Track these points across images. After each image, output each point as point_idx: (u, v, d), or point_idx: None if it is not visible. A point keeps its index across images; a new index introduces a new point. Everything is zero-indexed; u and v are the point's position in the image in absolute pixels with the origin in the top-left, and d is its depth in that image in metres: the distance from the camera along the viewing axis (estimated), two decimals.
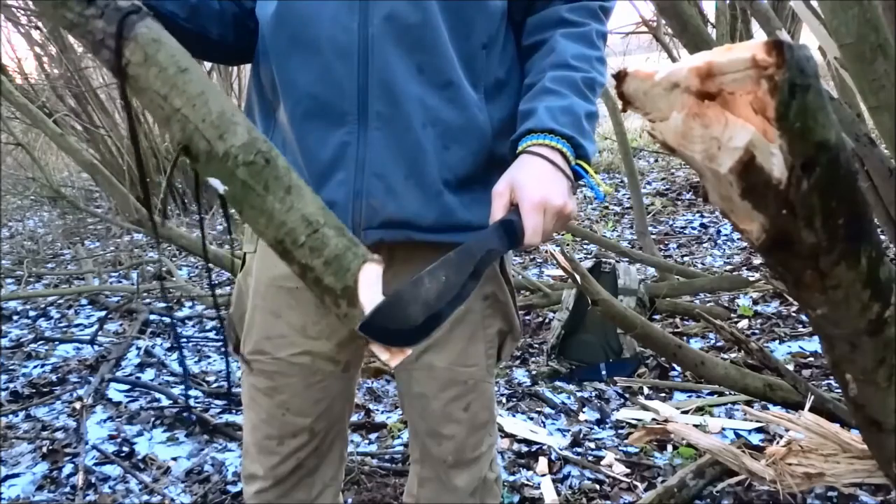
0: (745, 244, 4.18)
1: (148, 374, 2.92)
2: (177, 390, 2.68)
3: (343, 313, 0.75)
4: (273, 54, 0.94)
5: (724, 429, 2.09)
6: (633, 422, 2.20)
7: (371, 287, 0.74)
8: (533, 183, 0.86)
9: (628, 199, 5.30)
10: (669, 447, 2.04)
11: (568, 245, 4.62)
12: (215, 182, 0.73)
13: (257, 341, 1.03)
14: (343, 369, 1.07)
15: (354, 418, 2.37)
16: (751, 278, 3.20)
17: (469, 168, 0.96)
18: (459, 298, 0.79)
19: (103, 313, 3.71)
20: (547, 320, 3.23)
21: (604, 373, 2.66)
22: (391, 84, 0.90)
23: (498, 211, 0.88)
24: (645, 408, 2.25)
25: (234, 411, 2.46)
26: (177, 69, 0.73)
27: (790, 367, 2.14)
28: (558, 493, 1.85)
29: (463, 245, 0.82)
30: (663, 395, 2.44)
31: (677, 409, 2.21)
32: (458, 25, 0.92)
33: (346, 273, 0.74)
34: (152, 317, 3.61)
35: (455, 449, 1.08)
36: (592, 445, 2.10)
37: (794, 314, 3.00)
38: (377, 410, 2.47)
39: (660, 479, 1.87)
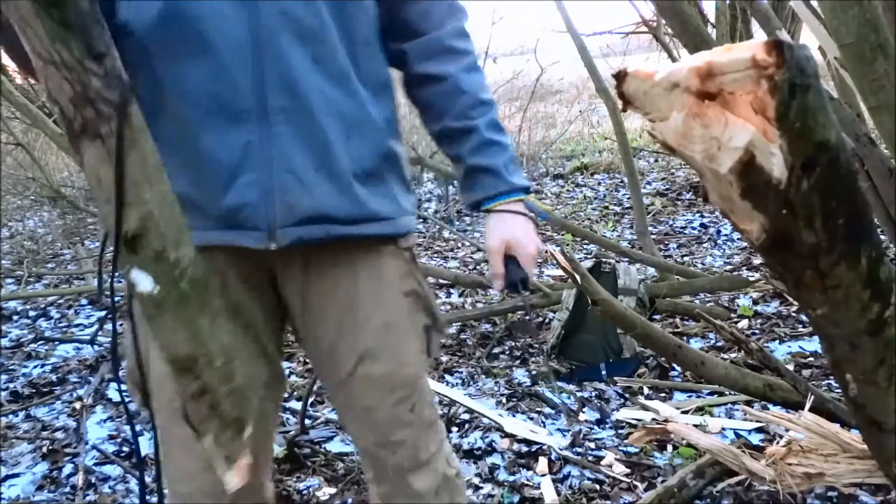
0: (745, 244, 4.18)
1: None
2: None
3: (227, 439, 0.79)
4: (158, 58, 0.90)
5: (724, 429, 2.09)
6: (633, 422, 2.20)
7: None
8: (525, 239, 1.08)
9: (628, 199, 5.30)
10: (669, 447, 2.04)
11: (568, 245, 4.62)
12: (142, 278, 0.72)
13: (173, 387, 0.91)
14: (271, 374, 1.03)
15: None
16: (751, 278, 3.19)
17: (369, 161, 0.98)
18: None
19: (103, 313, 3.71)
20: (547, 320, 3.23)
21: (604, 373, 2.66)
22: (289, 76, 0.90)
23: (498, 265, 1.10)
24: (645, 408, 2.25)
25: None
26: (156, 164, 0.74)
27: (790, 367, 2.14)
28: (558, 493, 1.85)
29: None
30: (663, 395, 2.44)
31: (677, 409, 2.21)
32: (344, 21, 0.94)
33: (245, 404, 0.78)
34: None
35: (410, 454, 1.07)
36: (592, 445, 2.10)
37: (794, 314, 3.00)
38: None
39: (660, 479, 1.87)
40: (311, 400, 2.27)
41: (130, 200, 0.71)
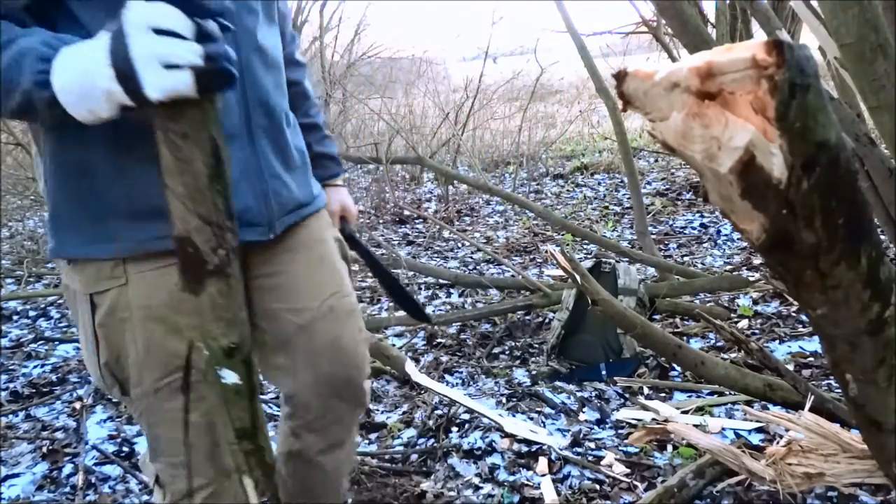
0: (745, 244, 4.18)
1: None
2: None
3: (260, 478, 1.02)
4: None
5: (724, 429, 2.09)
6: (633, 422, 2.20)
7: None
8: (351, 204, 1.52)
9: (628, 199, 5.30)
10: (669, 447, 2.04)
11: (568, 245, 4.62)
12: (230, 374, 0.97)
13: (166, 363, 1.05)
14: None
15: None
16: (751, 278, 3.19)
17: (302, 157, 1.25)
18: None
19: None
20: (547, 320, 3.23)
21: (604, 373, 2.66)
22: (265, 99, 1.11)
23: (337, 222, 1.45)
24: (645, 408, 2.25)
25: None
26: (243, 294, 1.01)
27: (790, 367, 2.14)
28: (558, 493, 1.85)
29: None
30: (663, 395, 2.44)
31: (677, 409, 2.21)
32: (280, 48, 1.22)
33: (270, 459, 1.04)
34: None
35: (365, 368, 1.31)
36: (592, 445, 2.10)
37: (794, 314, 3.00)
38: (377, 410, 2.47)
39: (660, 479, 1.87)
40: None
41: (229, 319, 0.93)
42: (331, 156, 1.47)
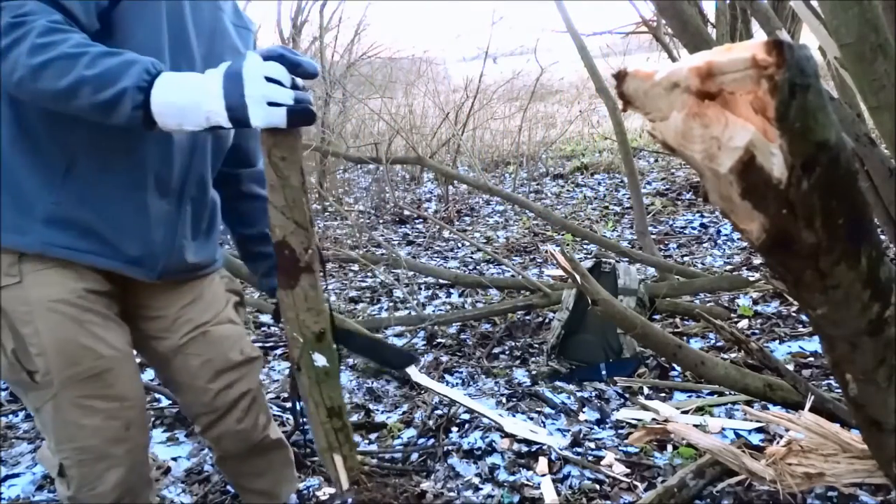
0: (745, 244, 4.18)
1: (147, 374, 2.92)
2: None
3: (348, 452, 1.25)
4: (138, 134, 1.16)
5: (724, 429, 2.09)
6: (633, 422, 2.20)
7: None
8: None
9: (628, 199, 5.30)
10: (669, 447, 2.04)
11: (568, 245, 4.62)
12: (320, 358, 1.15)
13: (70, 355, 1.17)
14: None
15: (354, 418, 2.37)
16: (751, 278, 3.19)
17: (215, 227, 1.44)
18: None
19: None
20: (547, 320, 3.23)
21: (604, 373, 2.66)
22: (203, 176, 1.32)
23: None
24: (645, 408, 2.25)
25: None
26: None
27: (790, 367, 2.14)
28: (558, 493, 1.85)
29: None
30: (663, 395, 2.44)
31: (677, 409, 2.21)
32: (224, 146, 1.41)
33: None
34: None
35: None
36: (592, 445, 2.10)
37: (794, 314, 3.00)
38: (377, 410, 2.47)
39: (660, 479, 1.87)
40: None
41: (318, 309, 1.15)
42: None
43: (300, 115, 1.04)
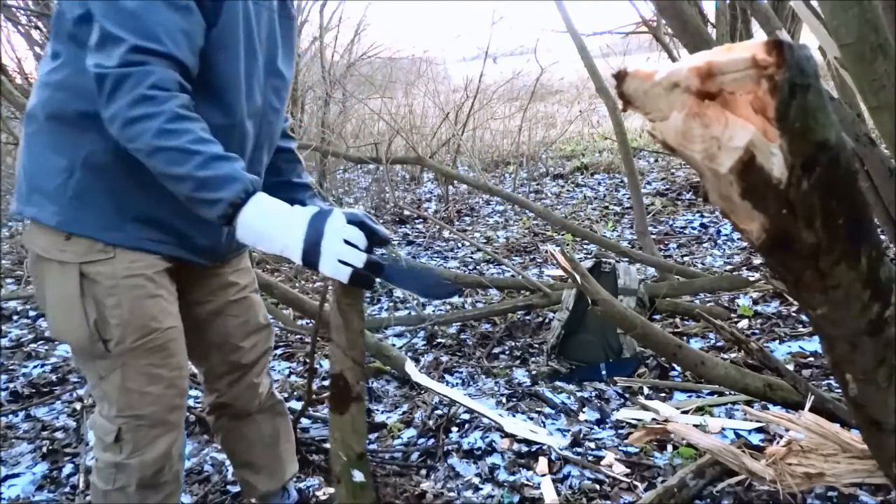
0: (745, 244, 4.18)
1: None
2: None
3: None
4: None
5: (724, 429, 2.09)
6: (633, 422, 2.20)
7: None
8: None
9: (628, 199, 5.30)
10: (669, 447, 2.04)
11: (568, 245, 4.62)
12: (358, 474, 1.26)
13: (143, 326, 1.31)
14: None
15: None
16: (751, 278, 3.19)
17: None
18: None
19: None
20: (547, 320, 3.23)
21: (604, 373, 2.66)
22: (260, 175, 1.44)
23: None
24: (645, 408, 2.25)
25: None
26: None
27: (790, 367, 2.14)
28: (558, 493, 1.85)
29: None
30: (663, 395, 2.44)
31: (677, 409, 2.21)
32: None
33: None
34: None
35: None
36: (592, 445, 2.10)
37: (794, 314, 3.00)
38: (377, 410, 2.47)
39: (660, 479, 1.87)
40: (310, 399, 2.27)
41: (363, 431, 1.31)
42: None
43: (362, 279, 1.16)
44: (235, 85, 1.28)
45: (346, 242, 1.14)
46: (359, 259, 1.15)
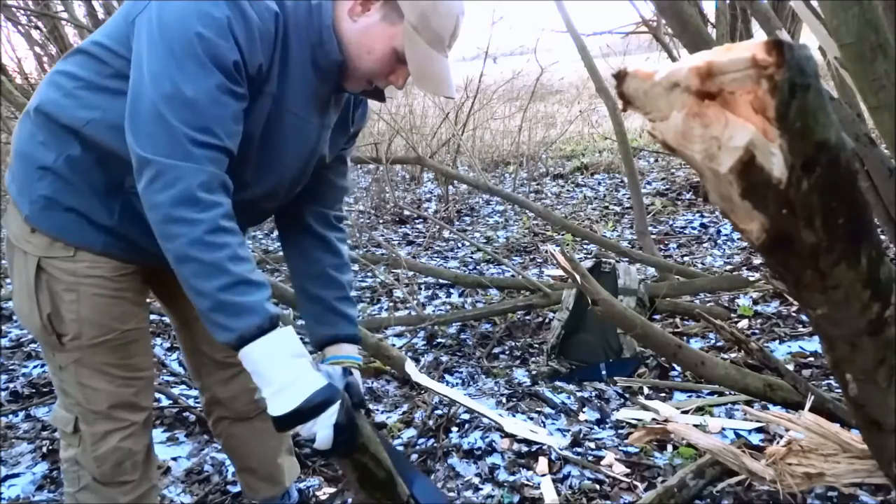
0: (745, 244, 4.18)
1: None
2: (177, 390, 2.69)
3: None
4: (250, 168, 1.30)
5: (724, 429, 2.09)
6: (633, 422, 2.20)
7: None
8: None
9: (628, 199, 5.30)
10: (669, 447, 2.04)
11: (568, 245, 4.62)
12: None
13: (102, 325, 1.31)
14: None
15: None
16: (751, 278, 3.19)
17: None
18: None
19: None
20: (547, 320, 3.23)
21: (604, 373, 2.66)
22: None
23: None
24: (645, 408, 2.25)
25: None
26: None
27: (790, 367, 2.14)
28: (558, 493, 1.85)
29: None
30: (663, 395, 2.44)
31: (677, 409, 2.21)
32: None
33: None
34: (152, 316, 3.61)
35: None
36: (592, 445, 2.10)
37: (794, 314, 3.00)
38: (377, 410, 2.47)
39: (660, 479, 1.87)
40: None
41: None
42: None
43: (335, 450, 1.20)
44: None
45: (336, 426, 1.17)
46: (335, 441, 1.18)
